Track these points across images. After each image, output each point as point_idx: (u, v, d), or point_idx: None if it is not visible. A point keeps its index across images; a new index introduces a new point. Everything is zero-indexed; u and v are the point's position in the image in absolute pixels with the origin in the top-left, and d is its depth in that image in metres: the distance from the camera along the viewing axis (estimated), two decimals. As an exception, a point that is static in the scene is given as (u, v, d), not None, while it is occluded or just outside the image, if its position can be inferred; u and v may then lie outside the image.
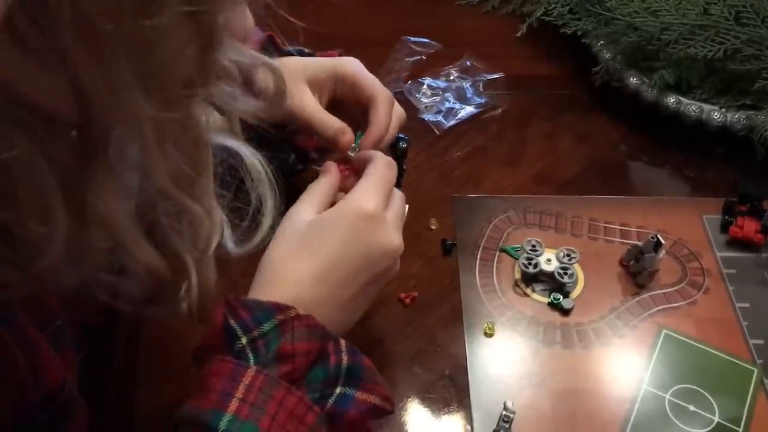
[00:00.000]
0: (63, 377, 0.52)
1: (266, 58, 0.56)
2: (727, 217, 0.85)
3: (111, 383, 0.71)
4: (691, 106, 0.93)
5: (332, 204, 0.65)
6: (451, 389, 0.71)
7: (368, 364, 0.58)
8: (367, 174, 0.65)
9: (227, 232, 0.55)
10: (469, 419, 0.68)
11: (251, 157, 0.57)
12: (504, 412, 0.67)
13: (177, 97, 0.40)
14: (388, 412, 0.59)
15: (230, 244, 0.56)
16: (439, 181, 0.89)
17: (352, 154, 0.71)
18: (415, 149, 0.90)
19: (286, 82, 0.60)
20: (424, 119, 0.96)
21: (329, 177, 0.67)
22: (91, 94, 0.36)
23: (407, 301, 0.77)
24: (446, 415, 0.69)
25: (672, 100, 0.94)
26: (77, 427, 0.55)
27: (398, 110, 0.74)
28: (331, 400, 0.56)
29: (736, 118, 0.91)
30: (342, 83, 0.73)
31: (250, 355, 0.55)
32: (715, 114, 0.92)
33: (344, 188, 0.68)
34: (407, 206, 0.84)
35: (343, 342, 0.58)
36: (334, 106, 0.74)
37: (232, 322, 0.56)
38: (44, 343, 0.49)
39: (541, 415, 0.69)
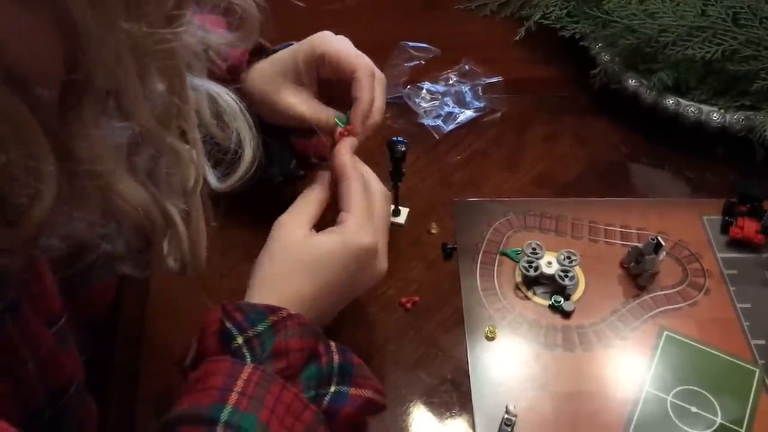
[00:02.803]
0: (72, 376, 0.52)
1: None
2: (727, 217, 0.85)
3: (113, 382, 0.71)
4: (690, 108, 0.93)
5: (320, 215, 0.67)
6: (453, 393, 0.71)
7: (358, 361, 0.60)
8: (353, 207, 0.65)
9: (209, 169, 0.56)
10: (472, 423, 0.68)
11: (224, 94, 0.58)
12: (506, 416, 0.67)
13: (159, 23, 0.41)
14: (381, 405, 0.60)
15: (212, 180, 0.58)
16: (439, 186, 0.89)
17: (344, 129, 0.70)
18: (414, 153, 0.90)
19: (258, 15, 0.58)
20: (423, 124, 0.96)
21: (318, 191, 0.68)
22: (79, 21, 0.36)
23: (408, 305, 0.77)
24: (449, 419, 0.69)
25: (671, 102, 0.94)
26: (85, 425, 0.56)
27: (379, 76, 0.72)
28: (326, 399, 0.57)
29: (735, 118, 0.91)
30: (323, 65, 0.72)
31: (246, 353, 0.55)
32: (714, 115, 0.92)
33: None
34: (407, 209, 0.85)
35: (332, 343, 0.60)
36: (321, 84, 0.74)
37: (228, 324, 0.57)
38: (51, 339, 0.49)
39: (543, 417, 0.69)
